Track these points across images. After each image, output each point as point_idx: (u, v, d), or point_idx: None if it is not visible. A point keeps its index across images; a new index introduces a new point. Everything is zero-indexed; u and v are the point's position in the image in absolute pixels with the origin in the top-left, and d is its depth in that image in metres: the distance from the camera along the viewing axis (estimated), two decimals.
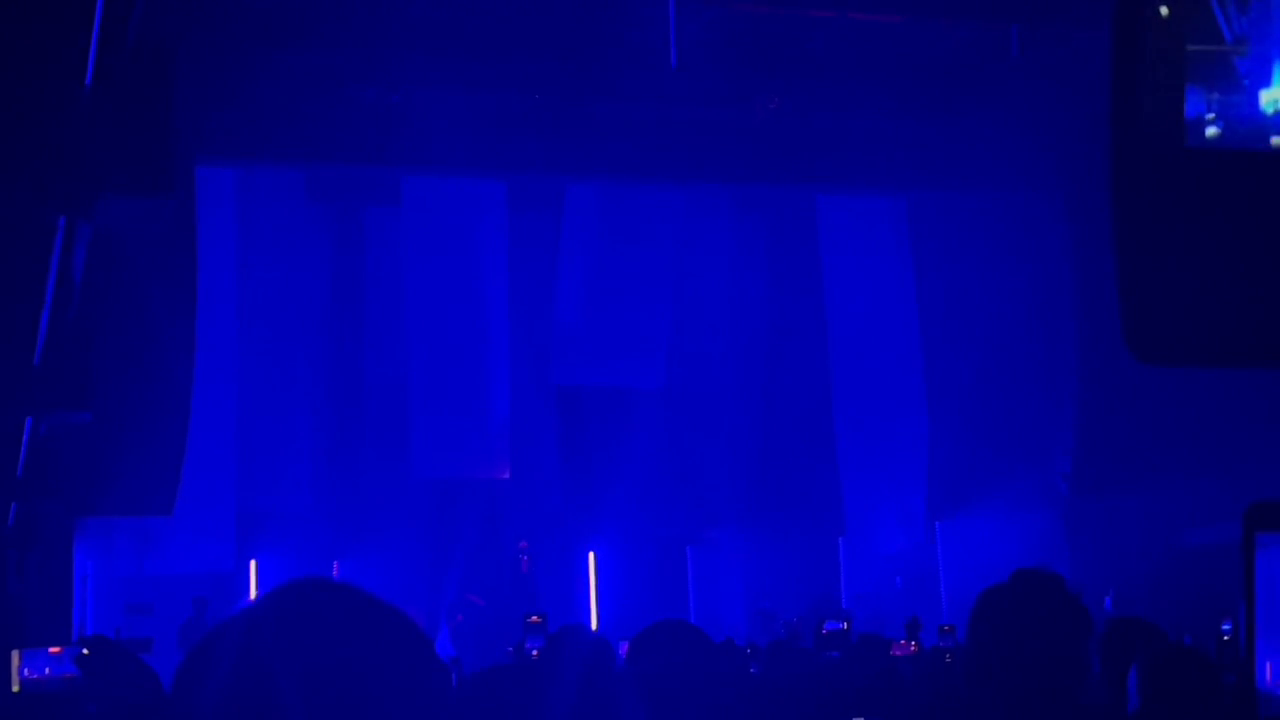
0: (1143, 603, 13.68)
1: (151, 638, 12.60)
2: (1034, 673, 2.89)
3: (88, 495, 12.72)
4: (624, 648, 4.14)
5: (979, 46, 15.89)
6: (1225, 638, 10.76)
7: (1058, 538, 17.38)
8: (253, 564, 16.86)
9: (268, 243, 17.04)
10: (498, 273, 17.58)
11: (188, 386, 14.01)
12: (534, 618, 11.94)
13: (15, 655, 7.89)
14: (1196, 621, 12.05)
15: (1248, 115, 1.60)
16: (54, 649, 8.00)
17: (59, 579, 12.88)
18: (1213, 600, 11.65)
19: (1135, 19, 1.60)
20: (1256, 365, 1.68)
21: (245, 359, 16.77)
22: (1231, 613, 10.69)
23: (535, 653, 10.84)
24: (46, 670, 7.80)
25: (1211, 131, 1.61)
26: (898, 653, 11.04)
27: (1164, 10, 1.59)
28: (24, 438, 8.17)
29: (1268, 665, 1.61)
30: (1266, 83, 1.60)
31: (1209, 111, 1.61)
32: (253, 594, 15.90)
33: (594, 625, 17.11)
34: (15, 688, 7.78)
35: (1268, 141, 1.61)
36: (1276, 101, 1.60)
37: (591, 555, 18.28)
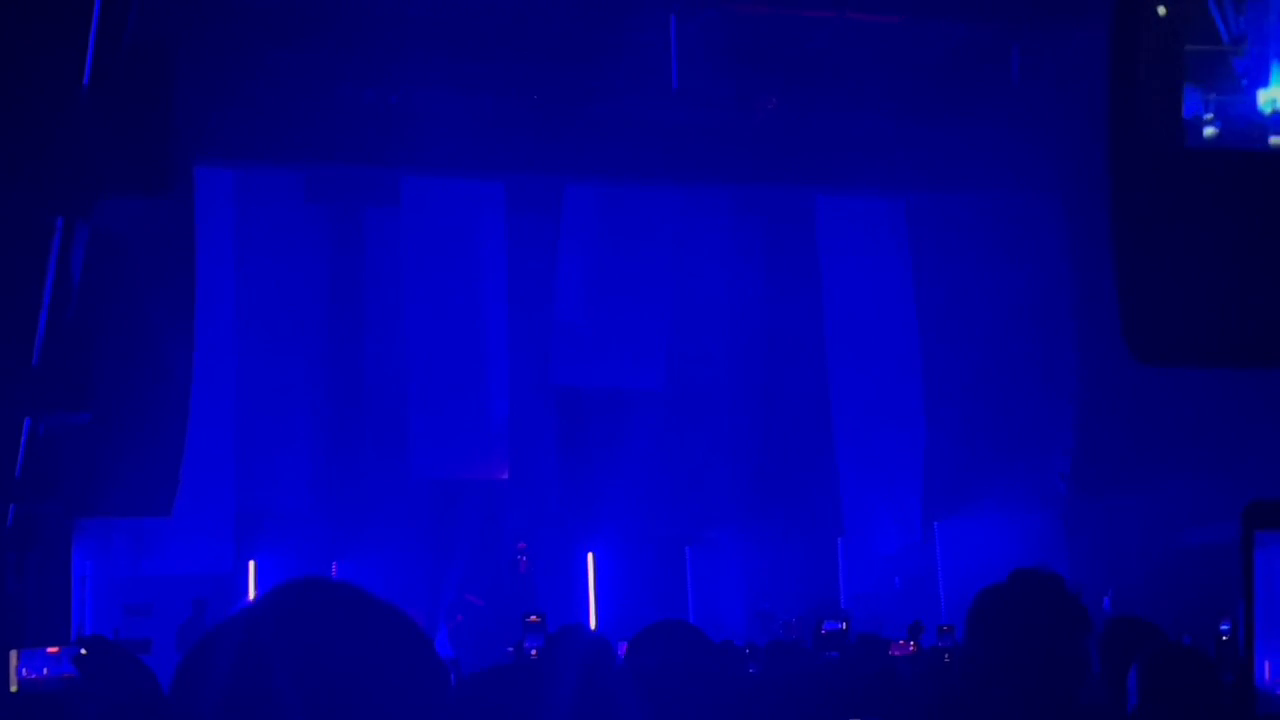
0: (1142, 603, 13.67)
1: (150, 639, 12.60)
2: (1033, 672, 2.89)
3: (86, 496, 12.71)
4: (623, 648, 4.14)
5: (978, 48, 15.89)
6: (1224, 638, 10.76)
7: (1057, 538, 17.39)
8: (251, 565, 16.85)
9: (267, 243, 17.04)
10: (497, 273, 17.58)
11: (187, 387, 14.01)
12: (533, 617, 11.93)
13: (13, 655, 7.89)
14: (1195, 621, 12.05)
15: (1246, 115, 1.60)
16: (52, 649, 7.99)
17: (58, 580, 12.88)
18: (1211, 600, 11.65)
19: (1133, 19, 1.60)
20: (1255, 365, 1.68)
21: (244, 359, 16.77)
22: (1230, 613, 10.69)
23: (534, 652, 10.84)
24: (45, 670, 7.79)
25: (1209, 131, 1.61)
26: (896, 653, 11.04)
27: (1162, 10, 1.59)
28: (22, 438, 8.17)
29: (1266, 664, 1.61)
30: (1264, 82, 1.60)
31: (1207, 111, 1.61)
32: (251, 595, 15.89)
33: (593, 626, 17.10)
34: (13, 688, 7.77)
35: (1266, 141, 1.61)
36: (1274, 101, 1.60)
37: (590, 556, 18.27)
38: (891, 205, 18.73)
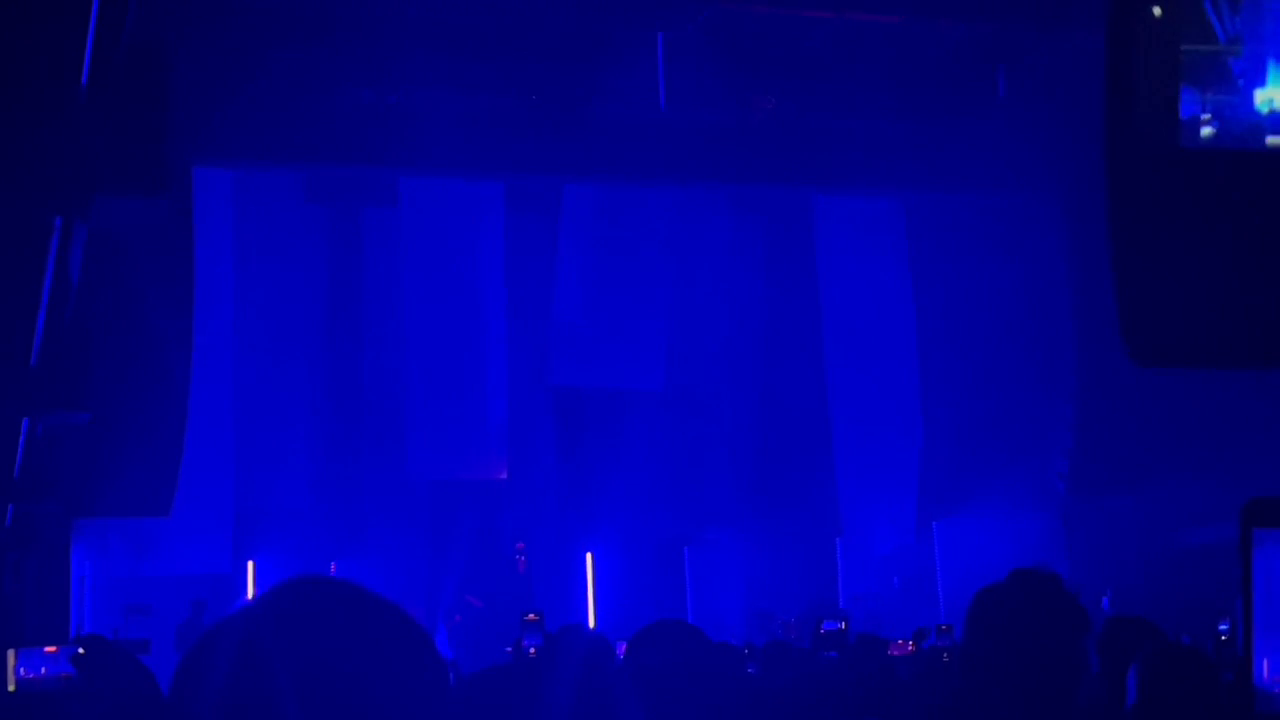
0: (1140, 602, 13.67)
1: (149, 639, 12.59)
2: (1031, 672, 2.89)
3: (85, 496, 12.72)
4: (621, 648, 4.14)
5: (975, 48, 15.90)
6: (1223, 637, 10.76)
7: (1055, 538, 17.40)
8: (250, 565, 16.84)
9: (265, 243, 17.04)
10: (495, 274, 17.58)
11: (185, 387, 14.01)
12: (531, 615, 11.92)
13: (11, 654, 7.89)
14: (1194, 621, 12.06)
15: (1243, 115, 1.60)
16: (50, 648, 7.99)
17: (56, 580, 12.88)
18: (1210, 600, 11.66)
19: (1129, 20, 1.60)
20: (1253, 366, 1.68)
21: (242, 360, 16.77)
22: (1229, 613, 10.70)
23: (532, 650, 10.84)
24: (43, 670, 7.79)
25: (1207, 131, 1.61)
26: (895, 653, 11.04)
27: (1157, 11, 1.59)
28: (21, 439, 8.16)
29: (1265, 661, 1.62)
30: (1261, 82, 1.60)
31: (1204, 111, 1.61)
32: (250, 595, 15.89)
33: (591, 626, 17.10)
34: (11, 687, 7.77)
35: (1263, 141, 1.61)
36: (1271, 101, 1.60)
37: (589, 556, 18.27)
38: (890, 206, 18.73)
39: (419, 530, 17.48)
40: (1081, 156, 14.10)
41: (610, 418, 18.18)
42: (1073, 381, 17.07)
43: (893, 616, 17.25)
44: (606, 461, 17.93)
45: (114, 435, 12.46)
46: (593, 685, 2.86)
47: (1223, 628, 10.97)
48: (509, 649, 12.84)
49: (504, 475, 17.67)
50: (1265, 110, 1.60)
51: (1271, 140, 1.61)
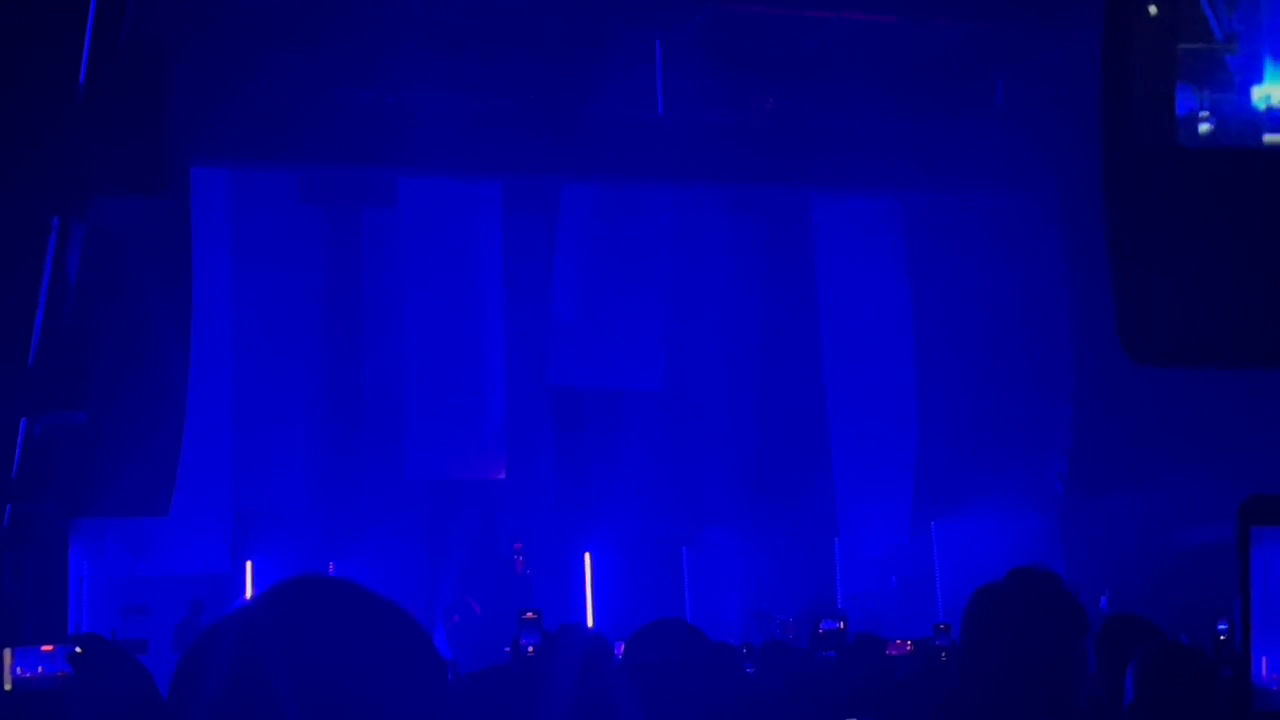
0: (1139, 602, 13.67)
1: (147, 639, 12.58)
2: (1029, 671, 2.89)
3: (83, 496, 12.71)
4: (620, 648, 4.14)
5: (974, 48, 15.90)
6: (1222, 637, 10.75)
7: (1054, 537, 17.40)
8: (249, 565, 16.83)
9: (263, 244, 17.03)
10: (493, 274, 17.58)
11: (183, 387, 14.00)
12: (529, 614, 11.90)
13: (7, 653, 7.88)
14: (1193, 621, 12.05)
15: (1240, 111, 1.60)
16: (47, 647, 7.98)
17: (54, 581, 12.87)
18: (1209, 599, 11.65)
19: (1126, 19, 1.60)
20: (1252, 365, 1.68)
21: (241, 360, 16.76)
22: (1228, 612, 10.69)
23: (531, 649, 10.83)
24: (39, 669, 7.78)
25: (1204, 128, 1.61)
26: (893, 652, 11.03)
27: (1154, 10, 1.59)
28: (19, 439, 8.16)
29: (1263, 659, 1.61)
30: (1258, 79, 1.60)
31: (1201, 109, 1.61)
32: (249, 595, 15.88)
33: (590, 626, 17.10)
34: (7, 686, 7.76)
35: (1260, 138, 1.61)
36: (1269, 97, 1.60)
37: (587, 556, 18.27)
38: (888, 206, 18.73)
39: (417, 530, 17.47)
40: (1080, 156, 14.09)
41: (609, 418, 18.18)
42: (1071, 381, 17.07)
43: (891, 616, 17.25)
44: (605, 461, 17.93)
45: (112, 435, 12.45)
46: (591, 685, 2.86)
47: (1222, 627, 10.96)
48: (507, 649, 12.84)
49: (502, 475, 17.66)
50: (1262, 107, 1.60)
51: (1269, 138, 1.61)
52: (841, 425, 18.79)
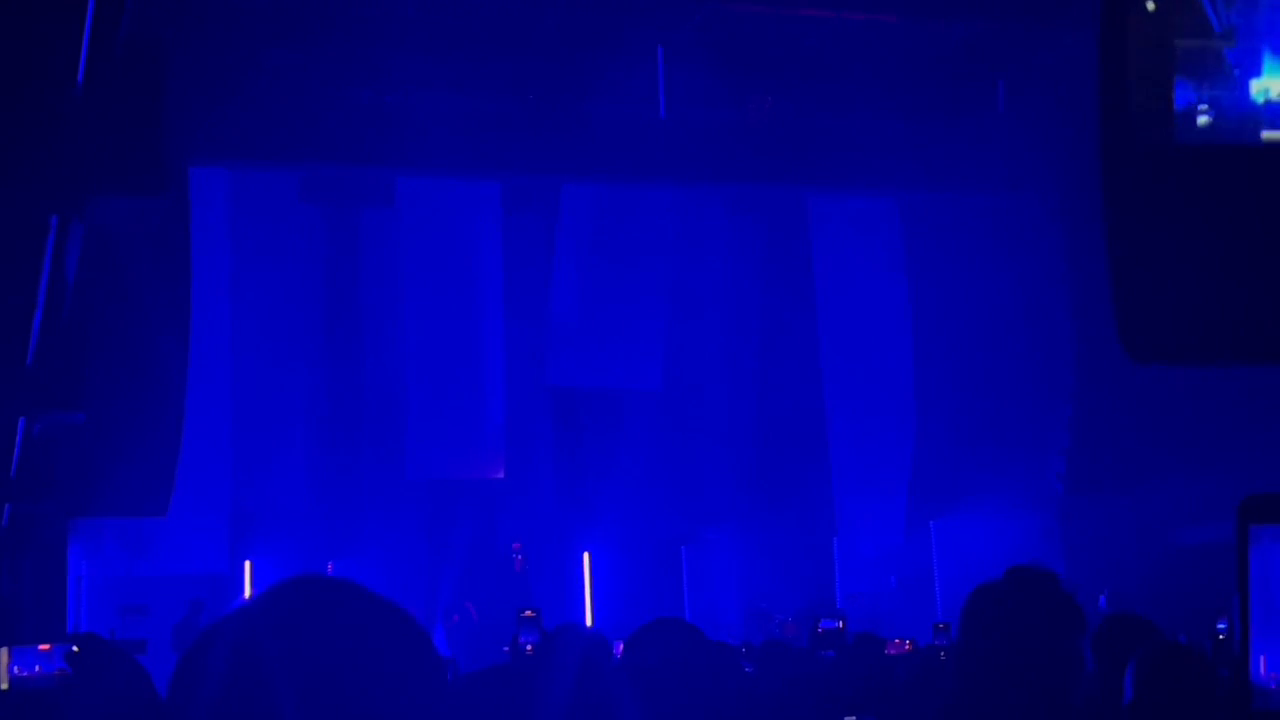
0: (1138, 602, 13.68)
1: (146, 639, 12.58)
2: (1026, 670, 2.89)
3: (82, 496, 12.70)
4: (619, 647, 4.14)
5: (972, 48, 15.90)
6: (1220, 636, 10.76)
7: (1053, 537, 17.41)
8: (247, 565, 16.83)
9: (262, 244, 17.03)
10: (492, 274, 17.58)
11: (182, 387, 14.00)
12: (528, 612, 11.91)
13: (4, 653, 7.88)
14: (1192, 620, 12.06)
15: (1239, 105, 1.60)
16: (44, 646, 7.98)
17: (53, 580, 12.87)
18: (1208, 599, 11.66)
19: (1122, 15, 1.60)
20: (1250, 363, 1.67)
21: (239, 360, 16.76)
22: (1227, 611, 10.70)
23: (529, 647, 10.84)
24: (36, 668, 7.78)
25: (1203, 121, 1.60)
26: (892, 652, 11.04)
27: (1150, 5, 1.59)
28: (17, 438, 8.16)
29: (1261, 658, 1.61)
30: (1257, 72, 1.59)
31: (1199, 103, 1.60)
32: (247, 595, 15.87)
33: (589, 625, 17.10)
34: (4, 685, 7.76)
35: (1259, 132, 1.60)
36: (1267, 91, 1.59)
37: (586, 556, 18.27)
38: (886, 205, 18.73)
39: (416, 530, 17.47)
40: (1078, 155, 14.10)
41: (608, 417, 18.18)
42: (1070, 380, 17.07)
43: (890, 616, 17.26)
44: (604, 461, 17.94)
45: (110, 435, 12.46)
46: (590, 685, 2.85)
47: (1221, 626, 10.97)
48: (506, 648, 12.84)
49: (501, 475, 17.67)
50: (1261, 100, 1.59)
51: (1267, 135, 1.60)
52: (840, 425, 18.79)
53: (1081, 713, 3.02)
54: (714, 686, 3.40)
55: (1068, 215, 16.55)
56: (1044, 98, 15.75)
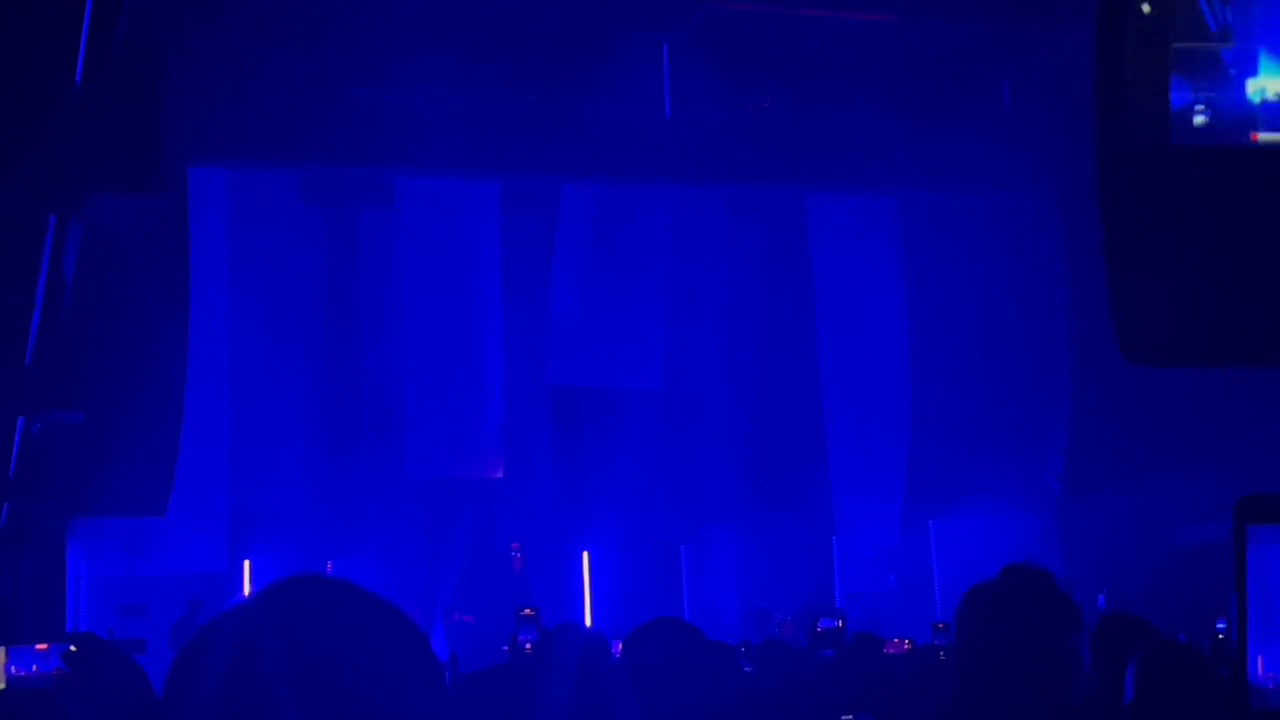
0: (1137, 601, 13.69)
1: (145, 639, 12.58)
2: (1023, 669, 2.89)
3: (81, 496, 12.70)
4: (618, 647, 4.14)
5: (972, 48, 15.90)
6: (1220, 636, 10.76)
7: (1051, 536, 17.41)
8: (246, 565, 16.83)
9: (261, 243, 17.02)
10: (492, 273, 17.57)
11: (181, 387, 14.00)
12: (527, 610, 11.92)
13: (2, 652, 7.88)
14: (1191, 620, 12.06)
15: (1235, 105, 1.60)
16: (41, 646, 7.99)
17: (52, 580, 12.86)
18: (1207, 599, 11.66)
19: (1119, 18, 1.60)
20: (1248, 364, 1.67)
21: (238, 359, 16.75)
22: (1226, 611, 10.70)
23: (529, 645, 10.84)
24: (34, 667, 7.78)
25: (1199, 120, 1.61)
26: (891, 651, 11.05)
27: (1146, 8, 1.59)
28: (16, 438, 8.16)
29: (1260, 658, 1.61)
30: (1253, 72, 1.60)
31: (1196, 102, 1.61)
32: (246, 594, 15.86)
33: (588, 625, 17.10)
34: (1, 685, 7.76)
35: (1255, 131, 1.61)
36: (1263, 90, 1.60)
37: (586, 555, 18.27)
38: (885, 205, 18.73)
39: (416, 529, 17.47)
40: (1076, 156, 14.10)
41: (607, 417, 18.18)
42: (1068, 380, 17.08)
43: (889, 615, 17.26)
44: (603, 461, 17.93)
45: (110, 434, 12.45)
46: (589, 684, 2.85)
47: (1220, 626, 10.97)
48: (505, 647, 12.85)
49: (500, 474, 17.66)
50: (1257, 100, 1.59)
51: (1263, 137, 1.61)
52: (839, 424, 18.79)
53: (1080, 712, 3.02)
54: (713, 686, 3.40)
55: (1067, 215, 16.56)
56: (1044, 98, 15.75)
